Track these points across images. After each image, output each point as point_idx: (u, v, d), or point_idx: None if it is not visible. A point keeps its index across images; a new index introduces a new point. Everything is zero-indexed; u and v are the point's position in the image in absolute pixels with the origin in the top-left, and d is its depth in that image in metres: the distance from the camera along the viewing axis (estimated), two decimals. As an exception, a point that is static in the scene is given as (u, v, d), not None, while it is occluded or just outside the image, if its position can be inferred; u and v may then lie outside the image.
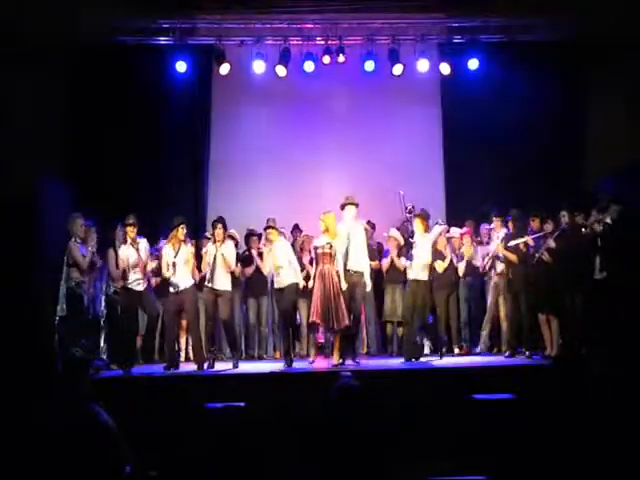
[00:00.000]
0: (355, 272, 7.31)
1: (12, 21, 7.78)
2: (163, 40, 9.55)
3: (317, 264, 7.34)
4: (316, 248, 7.40)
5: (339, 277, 7.24)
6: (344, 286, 7.25)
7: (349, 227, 7.38)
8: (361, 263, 7.35)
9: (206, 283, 7.39)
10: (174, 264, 7.25)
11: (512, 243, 7.75)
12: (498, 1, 9.16)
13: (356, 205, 7.43)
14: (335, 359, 7.26)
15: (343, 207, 7.44)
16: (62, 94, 9.06)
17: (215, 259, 7.30)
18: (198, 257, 7.69)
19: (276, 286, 7.54)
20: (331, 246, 7.26)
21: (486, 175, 9.64)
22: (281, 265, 7.41)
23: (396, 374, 6.86)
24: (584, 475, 2.43)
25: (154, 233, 8.20)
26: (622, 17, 8.55)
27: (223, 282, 7.36)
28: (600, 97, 9.54)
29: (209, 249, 7.43)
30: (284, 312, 7.49)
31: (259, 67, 9.47)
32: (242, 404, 4.59)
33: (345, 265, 7.30)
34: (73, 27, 8.64)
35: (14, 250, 6.80)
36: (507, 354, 7.79)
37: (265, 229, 7.92)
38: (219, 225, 7.38)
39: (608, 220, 7.57)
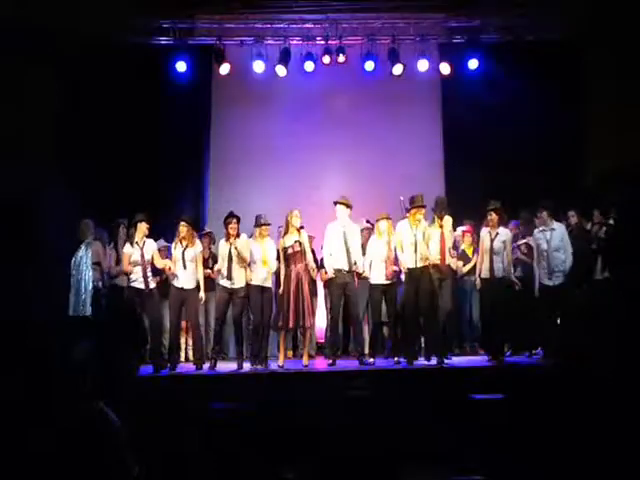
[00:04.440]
0: (348, 272, 7.33)
1: (12, 21, 7.78)
2: (163, 40, 9.56)
3: (287, 265, 7.22)
4: (285, 248, 7.24)
5: (310, 275, 7.25)
6: (320, 284, 7.29)
7: (344, 226, 7.38)
8: (355, 262, 7.35)
9: (221, 281, 7.34)
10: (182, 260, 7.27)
11: (514, 244, 7.79)
12: (498, 1, 9.17)
13: (349, 206, 7.40)
14: (305, 360, 7.30)
15: (335, 204, 7.42)
16: (61, 94, 9.06)
17: (230, 256, 7.27)
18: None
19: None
20: (300, 244, 7.22)
21: (486, 175, 9.64)
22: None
23: (396, 374, 6.87)
24: (584, 475, 2.43)
25: (153, 233, 8.19)
26: (622, 17, 8.56)
27: (240, 279, 7.32)
28: (600, 97, 9.54)
29: (221, 247, 7.39)
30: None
31: (259, 67, 9.48)
32: (241, 404, 4.59)
33: (349, 264, 7.29)
34: (72, 27, 8.64)
35: (12, 250, 6.80)
36: (507, 354, 7.80)
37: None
38: (234, 220, 7.33)
39: (610, 221, 7.62)
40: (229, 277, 7.25)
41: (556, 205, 7.79)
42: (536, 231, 7.57)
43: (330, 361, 7.31)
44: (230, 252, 7.25)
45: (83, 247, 7.34)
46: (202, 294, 7.35)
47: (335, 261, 7.32)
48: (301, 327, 7.25)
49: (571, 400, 2.50)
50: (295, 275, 7.15)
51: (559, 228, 7.50)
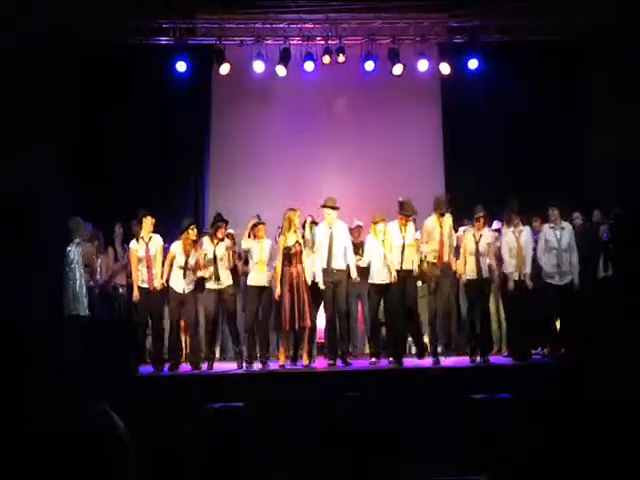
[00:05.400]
0: (338, 270, 7.38)
1: (12, 20, 7.79)
2: (163, 40, 9.55)
3: (289, 265, 7.21)
4: (288, 247, 7.24)
5: (305, 277, 7.22)
6: (322, 286, 7.32)
7: (331, 227, 7.44)
8: (343, 261, 7.40)
9: (208, 286, 7.39)
10: (186, 264, 7.29)
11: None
12: (498, 1, 9.17)
13: (334, 209, 7.46)
14: (305, 360, 7.31)
15: (327, 208, 7.47)
16: (62, 94, 9.06)
17: (215, 257, 7.30)
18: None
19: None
20: (300, 244, 7.24)
21: (486, 175, 9.65)
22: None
23: (396, 374, 6.87)
24: (584, 475, 2.43)
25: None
26: (621, 17, 8.56)
27: (226, 278, 7.36)
28: (600, 97, 9.54)
29: (206, 248, 7.43)
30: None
31: (259, 67, 9.47)
32: (241, 404, 4.60)
33: (328, 264, 7.34)
34: (73, 26, 8.65)
35: (11, 250, 6.79)
36: (507, 354, 7.80)
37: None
38: (221, 224, 7.39)
39: (611, 221, 7.66)
40: (217, 279, 7.29)
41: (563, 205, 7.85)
42: (547, 227, 7.58)
43: (330, 361, 7.33)
44: (215, 254, 7.28)
45: (73, 247, 7.33)
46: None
47: (322, 262, 7.38)
48: (299, 327, 7.24)
49: (572, 398, 2.50)
50: (293, 275, 7.16)
51: (567, 227, 7.55)
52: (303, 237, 7.40)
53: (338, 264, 7.38)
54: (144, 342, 7.79)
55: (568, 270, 7.46)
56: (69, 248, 7.30)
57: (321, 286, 7.35)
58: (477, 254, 7.40)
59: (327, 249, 7.36)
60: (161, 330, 7.54)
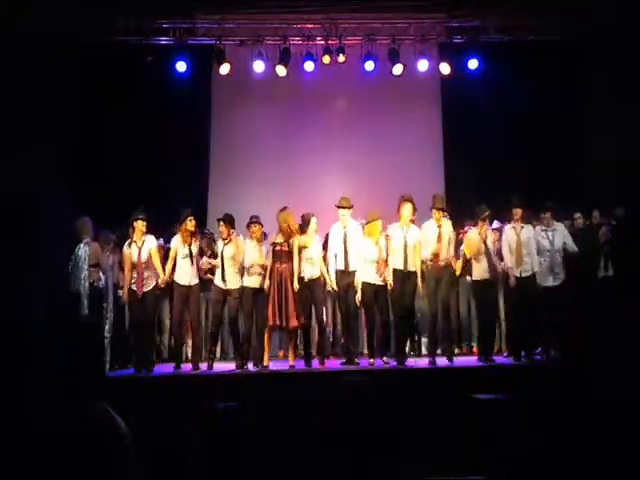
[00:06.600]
0: (352, 271, 7.37)
1: (12, 20, 7.79)
2: (163, 40, 9.55)
3: (274, 262, 7.22)
4: (274, 244, 7.29)
5: (293, 275, 7.17)
6: (335, 288, 7.34)
7: (345, 227, 7.45)
8: (356, 261, 7.38)
9: (215, 282, 7.38)
10: (191, 254, 7.27)
11: None
12: (498, 1, 9.17)
13: (348, 208, 7.48)
14: (290, 360, 7.27)
15: (340, 208, 7.49)
16: (62, 94, 9.06)
17: (223, 257, 7.29)
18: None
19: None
20: (288, 243, 7.23)
21: (486, 175, 9.65)
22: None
23: (396, 374, 6.87)
24: (584, 475, 2.43)
25: (153, 233, 8.18)
26: (621, 17, 8.57)
27: (233, 280, 7.35)
28: (600, 97, 9.54)
29: (219, 246, 7.43)
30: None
31: (259, 67, 9.48)
32: (239, 404, 4.60)
33: (345, 265, 7.34)
34: (73, 26, 8.65)
35: (11, 250, 6.79)
36: (507, 354, 7.80)
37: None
38: (222, 223, 7.37)
39: (612, 222, 7.68)
40: (222, 278, 7.28)
41: (560, 205, 7.86)
42: (539, 230, 7.60)
43: (344, 361, 7.37)
44: (222, 253, 7.27)
45: (81, 246, 7.33)
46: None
47: (337, 262, 7.38)
48: (285, 327, 7.20)
49: (572, 399, 2.50)
50: (279, 274, 7.15)
51: (560, 228, 7.58)
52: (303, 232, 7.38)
53: (353, 265, 7.38)
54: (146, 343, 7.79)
55: (561, 270, 7.51)
56: (78, 247, 7.31)
57: (334, 287, 7.38)
58: (488, 252, 7.38)
59: (342, 250, 7.38)
60: (150, 333, 7.50)
